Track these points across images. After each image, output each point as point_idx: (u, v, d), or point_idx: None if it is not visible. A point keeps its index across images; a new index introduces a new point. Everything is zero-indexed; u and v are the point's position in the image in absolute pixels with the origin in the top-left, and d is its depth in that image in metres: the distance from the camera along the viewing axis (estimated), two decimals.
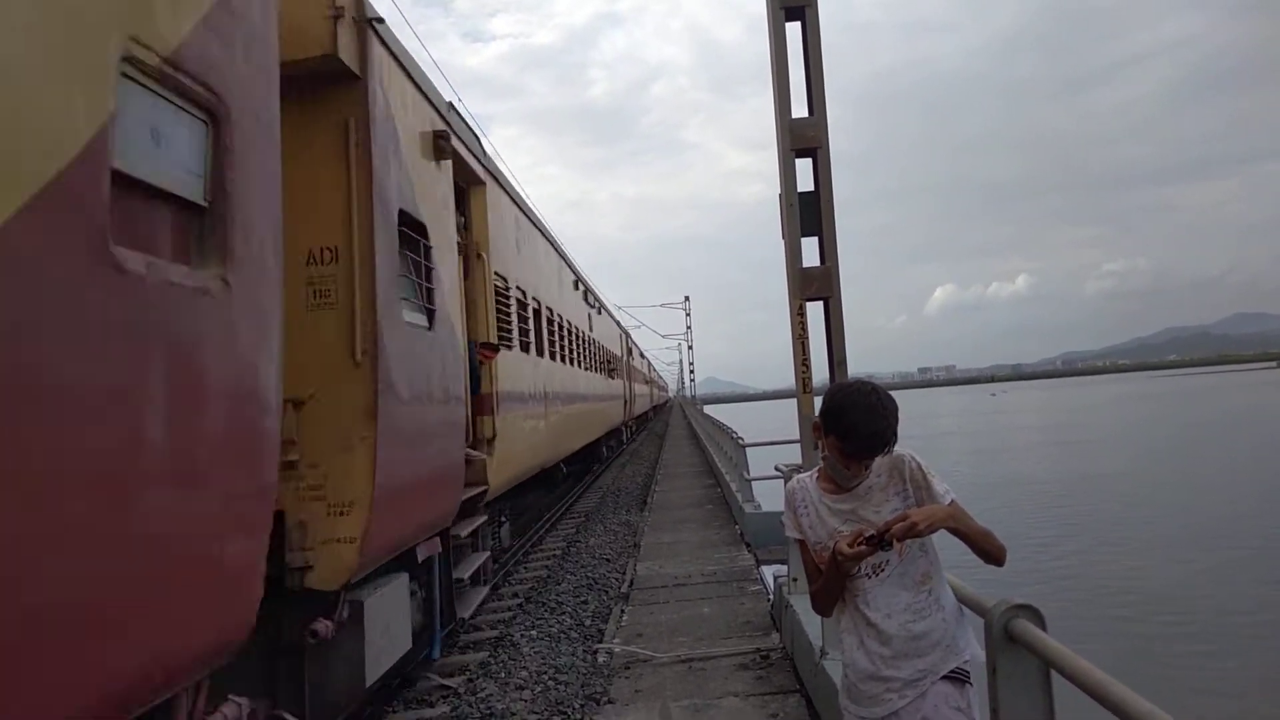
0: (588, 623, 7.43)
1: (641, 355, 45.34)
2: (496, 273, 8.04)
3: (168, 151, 2.67)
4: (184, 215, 2.78)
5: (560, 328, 12.82)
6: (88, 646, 2.15)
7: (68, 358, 2.10)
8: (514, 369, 8.56)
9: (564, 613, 7.80)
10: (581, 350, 15.99)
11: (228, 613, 2.87)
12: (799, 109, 5.29)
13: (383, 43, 4.75)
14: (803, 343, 5.24)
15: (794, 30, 5.34)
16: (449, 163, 6.12)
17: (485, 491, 6.82)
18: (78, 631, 2.12)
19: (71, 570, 2.07)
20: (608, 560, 10.21)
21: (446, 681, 6.03)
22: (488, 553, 7.28)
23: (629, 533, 12.03)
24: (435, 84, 6.05)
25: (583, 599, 8.31)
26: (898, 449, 2.50)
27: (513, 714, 5.31)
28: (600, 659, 6.23)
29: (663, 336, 67.54)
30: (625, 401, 27.38)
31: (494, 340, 7.58)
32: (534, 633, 7.18)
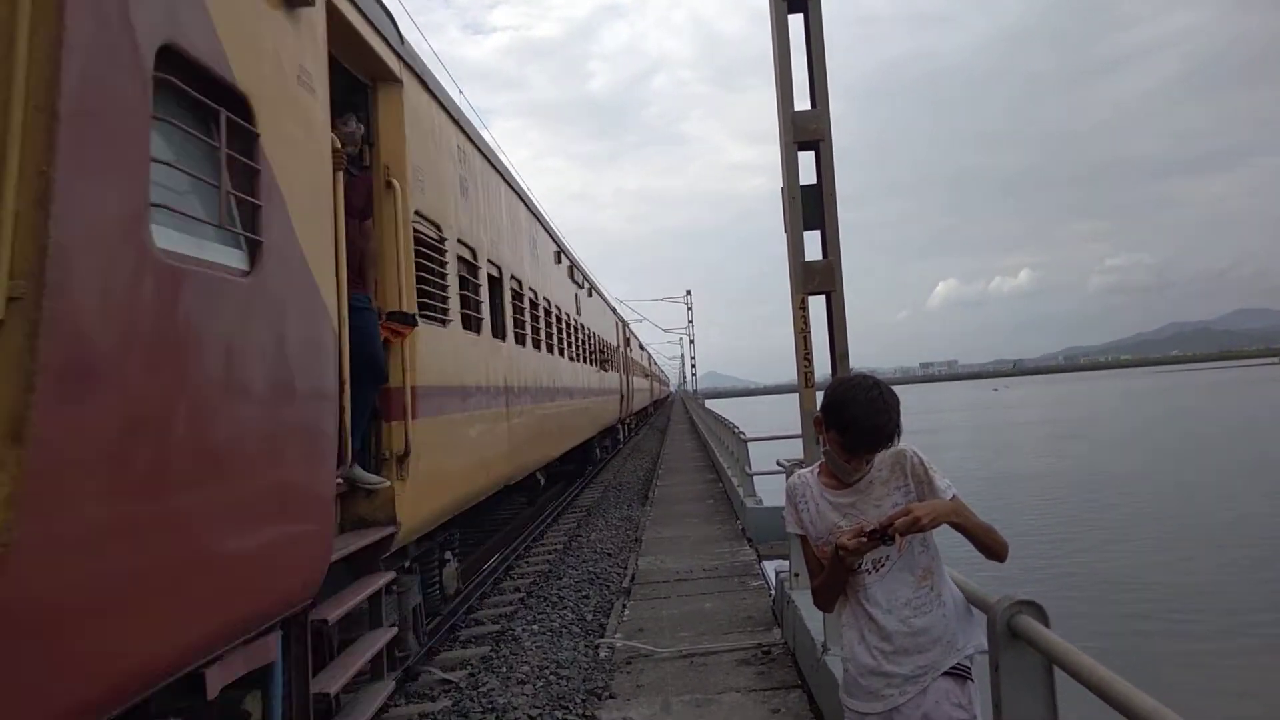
0: (589, 617, 7.44)
1: (642, 348, 44.04)
2: (420, 213, 5.64)
3: None
4: None
5: (534, 305, 10.39)
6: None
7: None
8: (448, 352, 6.24)
9: (565, 607, 7.81)
10: (566, 336, 13.63)
11: None
12: (801, 102, 5.27)
13: None
14: (805, 337, 5.23)
15: (796, 23, 5.32)
16: (313, 16, 3.93)
17: (393, 536, 4.78)
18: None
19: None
20: (609, 555, 10.21)
21: (448, 675, 6.04)
22: (393, 629, 5.01)
23: (630, 527, 12.04)
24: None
25: (584, 593, 8.31)
26: (899, 443, 2.50)
27: (514, 708, 5.31)
28: (602, 654, 6.23)
29: (664, 330, 67.49)
30: (622, 397, 24.74)
31: (411, 310, 5.25)
32: (535, 627, 7.18)
